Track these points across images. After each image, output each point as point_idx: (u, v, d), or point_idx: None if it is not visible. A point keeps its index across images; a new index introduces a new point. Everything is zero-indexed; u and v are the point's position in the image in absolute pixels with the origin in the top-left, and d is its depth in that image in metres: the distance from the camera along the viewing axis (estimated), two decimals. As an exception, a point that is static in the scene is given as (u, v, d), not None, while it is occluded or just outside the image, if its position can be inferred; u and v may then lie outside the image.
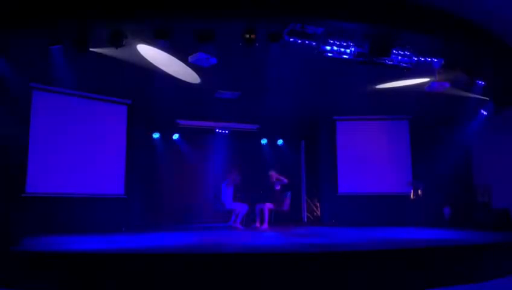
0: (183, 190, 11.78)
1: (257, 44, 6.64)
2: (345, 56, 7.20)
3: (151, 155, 11.27)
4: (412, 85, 8.85)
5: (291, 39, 6.65)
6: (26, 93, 8.60)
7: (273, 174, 9.98)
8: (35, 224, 7.82)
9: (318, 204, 12.45)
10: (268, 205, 9.87)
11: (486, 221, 9.33)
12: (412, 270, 5.19)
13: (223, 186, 9.81)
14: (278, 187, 10.00)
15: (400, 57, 7.45)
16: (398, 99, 10.00)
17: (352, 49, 7.17)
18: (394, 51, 7.32)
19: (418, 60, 7.62)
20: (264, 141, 12.87)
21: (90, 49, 6.74)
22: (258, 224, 9.76)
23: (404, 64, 7.54)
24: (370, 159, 11.44)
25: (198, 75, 8.47)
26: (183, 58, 7.50)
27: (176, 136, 11.79)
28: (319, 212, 12.35)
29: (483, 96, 9.00)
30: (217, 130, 12.26)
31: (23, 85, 8.38)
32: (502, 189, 9.78)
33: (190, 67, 8.00)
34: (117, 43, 6.53)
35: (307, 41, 6.76)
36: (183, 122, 11.63)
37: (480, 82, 8.52)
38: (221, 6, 6.16)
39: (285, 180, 9.84)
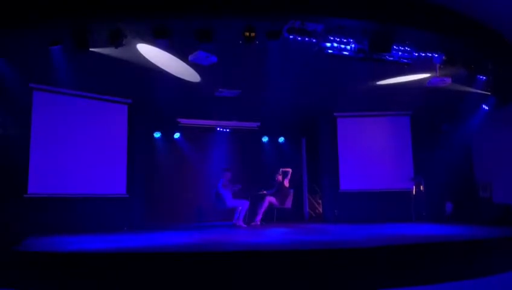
0: (185, 189, 11.78)
1: (257, 42, 6.63)
2: (345, 53, 7.19)
3: (152, 154, 11.29)
4: (412, 81, 8.83)
5: (291, 36, 6.64)
6: (27, 94, 8.58)
7: (280, 177, 10.10)
8: (37, 224, 7.84)
9: (320, 201, 12.45)
10: (270, 199, 9.88)
11: (488, 216, 9.33)
12: (414, 266, 5.19)
13: (219, 186, 9.79)
14: (287, 184, 10.09)
15: (400, 53, 7.43)
16: (399, 95, 9.97)
17: (353, 45, 7.15)
18: (394, 47, 7.31)
19: (419, 56, 7.61)
20: (265, 139, 12.86)
21: (90, 49, 6.72)
22: (257, 222, 9.79)
23: (404, 60, 7.53)
24: (371, 156, 11.43)
25: (199, 73, 8.47)
26: (183, 57, 7.50)
27: (177, 135, 11.79)
28: (320, 209, 12.35)
29: (485, 91, 8.99)
30: (218, 129, 12.26)
31: (24, 86, 8.37)
32: (503, 184, 9.77)
33: (190, 66, 8.00)
34: (117, 42, 6.52)
35: (306, 39, 6.74)
36: (184, 121, 11.64)
37: (481, 77, 8.51)
38: (220, 5, 6.15)
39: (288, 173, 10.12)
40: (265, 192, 10.24)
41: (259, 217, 9.72)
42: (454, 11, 6.95)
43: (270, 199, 9.91)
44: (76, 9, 6.01)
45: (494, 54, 7.87)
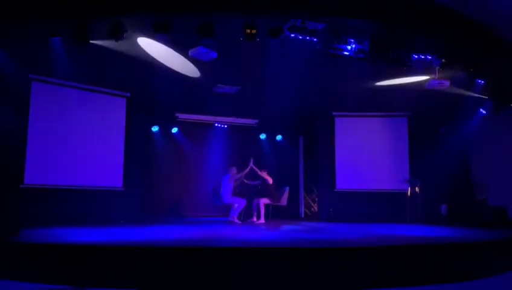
0: (182, 184, 11.80)
1: (258, 39, 6.63)
2: (345, 53, 7.20)
3: (149, 148, 11.28)
4: (411, 83, 8.85)
5: (292, 35, 6.64)
6: (26, 85, 8.57)
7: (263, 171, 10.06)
8: (34, 215, 7.84)
9: (316, 199, 12.49)
10: (264, 200, 9.91)
11: (483, 219, 9.38)
12: (408, 267, 5.22)
13: (224, 181, 9.80)
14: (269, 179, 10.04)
15: (400, 54, 7.46)
16: (397, 97, 10.00)
17: (353, 45, 7.17)
18: (395, 49, 7.33)
19: (418, 58, 7.62)
20: (263, 136, 12.88)
21: (91, 41, 6.72)
22: (255, 219, 9.82)
23: (404, 62, 7.55)
24: (368, 156, 11.46)
25: (198, 69, 8.46)
26: (183, 52, 7.50)
27: (174, 130, 11.79)
28: (316, 208, 12.38)
29: (483, 95, 9.03)
30: (216, 125, 12.28)
31: (23, 76, 8.35)
32: (499, 187, 9.82)
33: (190, 61, 7.99)
34: (117, 36, 6.51)
35: (307, 37, 6.75)
36: (182, 116, 11.65)
37: (479, 81, 8.54)
38: (222, 1, 6.15)
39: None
40: (247, 181, 10.21)
41: (262, 218, 9.75)
42: (455, 12, 6.95)
43: (265, 201, 9.93)
44: (78, 6, 6.01)
45: (494, 57, 7.87)
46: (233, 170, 9.89)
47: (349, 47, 7.13)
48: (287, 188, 10.67)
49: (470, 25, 7.12)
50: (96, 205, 9.17)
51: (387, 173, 11.33)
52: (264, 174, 10.05)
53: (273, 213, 10.57)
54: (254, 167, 9.97)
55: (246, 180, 10.18)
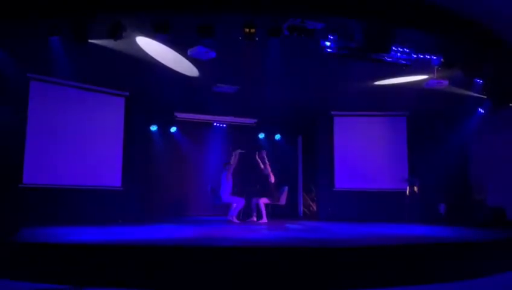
0: (180, 183, 11.81)
1: (257, 38, 6.63)
2: (344, 52, 7.19)
3: (148, 147, 11.28)
4: (410, 82, 8.86)
5: (291, 34, 6.64)
6: (24, 84, 8.56)
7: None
8: (32, 215, 7.82)
9: (315, 199, 12.49)
10: (264, 200, 9.91)
11: (481, 218, 9.39)
12: (408, 267, 5.23)
13: (223, 179, 9.77)
14: (272, 180, 9.99)
15: (399, 54, 7.46)
16: (396, 96, 10.01)
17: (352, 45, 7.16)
18: (393, 48, 7.33)
19: (417, 57, 7.63)
20: (261, 136, 12.88)
21: (89, 41, 6.71)
22: (254, 218, 9.81)
23: (403, 61, 7.56)
24: (367, 155, 11.48)
25: (197, 68, 8.46)
26: (182, 51, 7.49)
27: (173, 129, 11.79)
28: (315, 207, 12.39)
29: (481, 94, 9.05)
30: (215, 124, 12.28)
31: (21, 75, 8.34)
32: (497, 187, 9.84)
33: (189, 61, 7.99)
34: (116, 35, 6.51)
35: (306, 37, 6.75)
36: (181, 115, 11.64)
37: (478, 80, 8.55)
38: (222, 1, 6.14)
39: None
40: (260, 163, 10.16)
41: (264, 217, 9.72)
42: (455, 12, 6.96)
43: (264, 201, 9.91)
44: (77, 5, 6.00)
45: (493, 56, 7.89)
46: (230, 166, 9.83)
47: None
48: (286, 188, 10.67)
49: (470, 25, 7.13)
50: (95, 204, 9.16)
51: (386, 172, 11.35)
52: (269, 170, 10.05)
53: (272, 212, 10.56)
54: (266, 158, 9.95)
55: (260, 162, 10.08)
